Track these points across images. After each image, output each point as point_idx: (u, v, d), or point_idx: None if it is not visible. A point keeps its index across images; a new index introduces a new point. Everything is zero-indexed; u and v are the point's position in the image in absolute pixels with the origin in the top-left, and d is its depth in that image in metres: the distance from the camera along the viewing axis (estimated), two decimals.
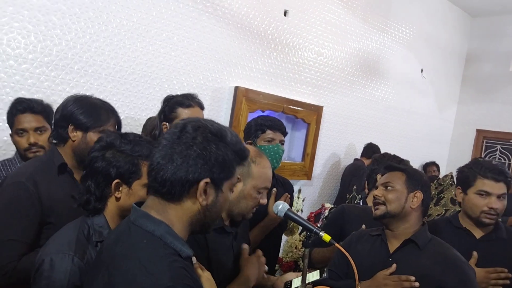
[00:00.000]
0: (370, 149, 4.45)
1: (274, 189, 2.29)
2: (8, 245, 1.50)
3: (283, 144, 2.38)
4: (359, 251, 1.81)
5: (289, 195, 2.25)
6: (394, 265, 1.69)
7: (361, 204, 2.71)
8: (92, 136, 1.63)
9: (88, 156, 1.40)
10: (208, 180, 1.03)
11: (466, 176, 2.05)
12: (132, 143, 1.37)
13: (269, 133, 2.32)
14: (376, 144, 4.52)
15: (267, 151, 2.27)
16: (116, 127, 1.75)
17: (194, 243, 1.40)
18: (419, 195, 1.75)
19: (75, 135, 1.65)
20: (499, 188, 1.96)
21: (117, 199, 1.36)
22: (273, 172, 2.42)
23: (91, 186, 1.35)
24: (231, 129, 1.12)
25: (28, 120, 1.99)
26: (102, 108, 1.70)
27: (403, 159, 2.50)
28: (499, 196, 1.96)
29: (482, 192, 1.97)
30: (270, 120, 2.37)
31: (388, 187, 1.79)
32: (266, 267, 1.63)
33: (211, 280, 1.20)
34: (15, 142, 2.03)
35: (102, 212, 1.36)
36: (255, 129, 2.35)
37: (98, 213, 1.35)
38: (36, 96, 2.45)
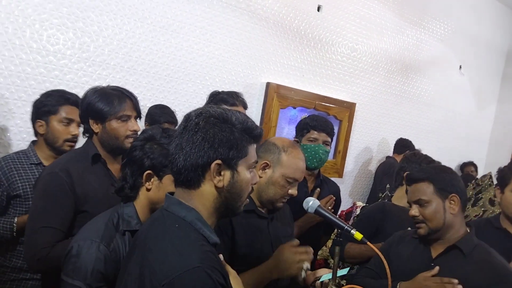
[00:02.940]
0: (401, 145, 4.31)
1: (318, 189, 2.30)
2: (43, 232, 1.55)
3: (327, 145, 2.39)
4: (400, 253, 1.75)
5: (333, 197, 2.26)
6: (437, 268, 1.62)
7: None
8: (112, 124, 1.68)
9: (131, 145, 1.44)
10: (219, 161, 1.06)
11: (504, 175, 2.01)
12: (170, 138, 1.39)
13: (313, 133, 2.37)
14: (411, 142, 4.38)
15: (308, 150, 2.31)
16: (135, 110, 1.74)
17: (217, 230, 1.41)
18: (455, 198, 1.65)
19: (96, 127, 1.70)
20: None
21: (148, 190, 1.39)
22: (319, 173, 2.45)
23: (127, 173, 1.39)
24: (236, 112, 1.13)
25: (76, 113, 1.99)
26: (114, 95, 1.71)
27: (434, 160, 2.42)
28: None
29: None
30: (316, 120, 2.41)
31: (421, 204, 1.67)
32: (308, 265, 1.53)
33: (237, 278, 1.21)
34: (54, 131, 1.99)
35: (133, 201, 1.39)
36: (302, 127, 2.42)
37: (130, 201, 1.39)
38: (74, 91, 2.52)
